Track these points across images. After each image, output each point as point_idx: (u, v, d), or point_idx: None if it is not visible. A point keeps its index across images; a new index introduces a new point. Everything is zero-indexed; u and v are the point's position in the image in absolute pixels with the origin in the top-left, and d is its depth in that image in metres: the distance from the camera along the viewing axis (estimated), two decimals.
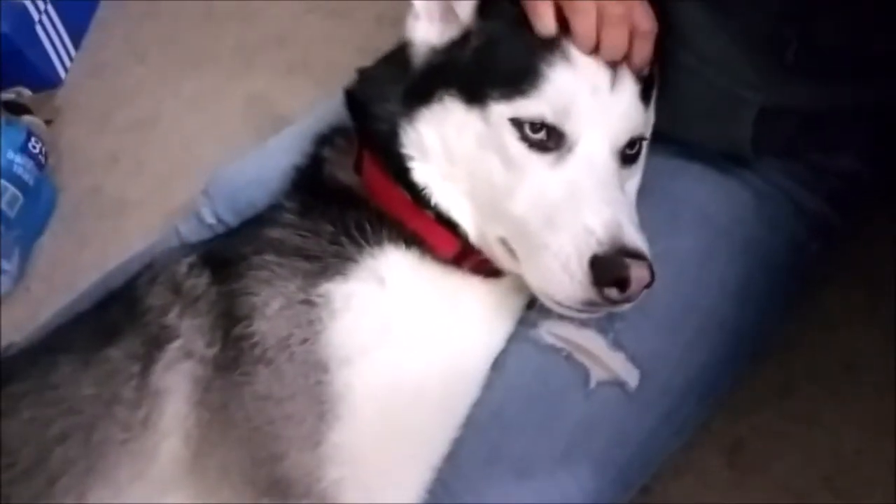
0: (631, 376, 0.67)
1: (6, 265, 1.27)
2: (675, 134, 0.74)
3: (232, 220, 0.94)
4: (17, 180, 1.30)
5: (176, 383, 0.70)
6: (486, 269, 0.71)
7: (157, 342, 0.72)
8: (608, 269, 0.60)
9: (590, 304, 0.63)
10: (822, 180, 0.76)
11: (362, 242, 0.71)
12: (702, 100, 0.70)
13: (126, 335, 0.73)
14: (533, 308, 0.72)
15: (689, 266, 0.71)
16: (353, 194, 0.74)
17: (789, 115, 0.70)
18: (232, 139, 1.32)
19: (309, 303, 0.69)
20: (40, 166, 1.37)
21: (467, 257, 0.71)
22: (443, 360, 0.69)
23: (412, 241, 0.71)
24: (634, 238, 0.62)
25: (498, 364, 0.71)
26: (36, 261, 1.34)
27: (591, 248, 0.61)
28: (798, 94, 0.68)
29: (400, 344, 0.69)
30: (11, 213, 1.29)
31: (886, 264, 0.87)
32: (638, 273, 0.60)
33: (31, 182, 1.33)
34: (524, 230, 0.66)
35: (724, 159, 0.75)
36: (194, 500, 0.66)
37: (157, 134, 1.43)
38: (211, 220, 0.96)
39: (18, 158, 1.32)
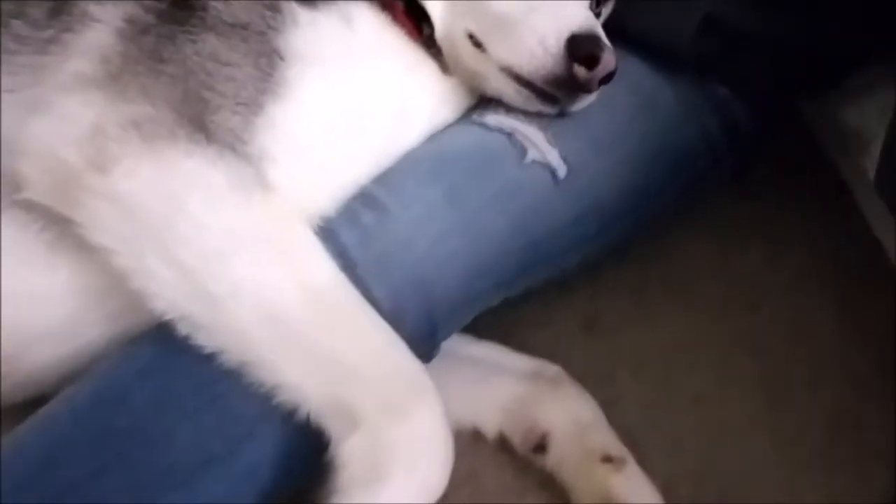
0: (561, 168, 0.74)
1: None
2: (625, 21, 0.85)
3: None
4: None
5: (107, 15, 0.68)
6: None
7: None
8: (584, 44, 0.69)
9: (555, 83, 0.70)
10: (723, 113, 0.90)
11: None
12: None
13: None
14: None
15: (620, 112, 0.81)
16: None
17: (722, 29, 0.84)
18: None
19: (274, 9, 0.71)
20: None
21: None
22: (390, 104, 0.74)
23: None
24: (605, 38, 0.72)
25: (441, 132, 0.76)
26: None
27: (570, 27, 0.70)
28: (738, 10, 0.82)
29: (354, 71, 0.72)
30: None
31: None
32: (608, 57, 0.70)
33: None
34: (500, 18, 0.73)
35: (653, 58, 0.86)
36: (101, 104, 0.63)
37: None
38: None
39: None
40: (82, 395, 0.62)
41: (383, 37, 0.75)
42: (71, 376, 0.64)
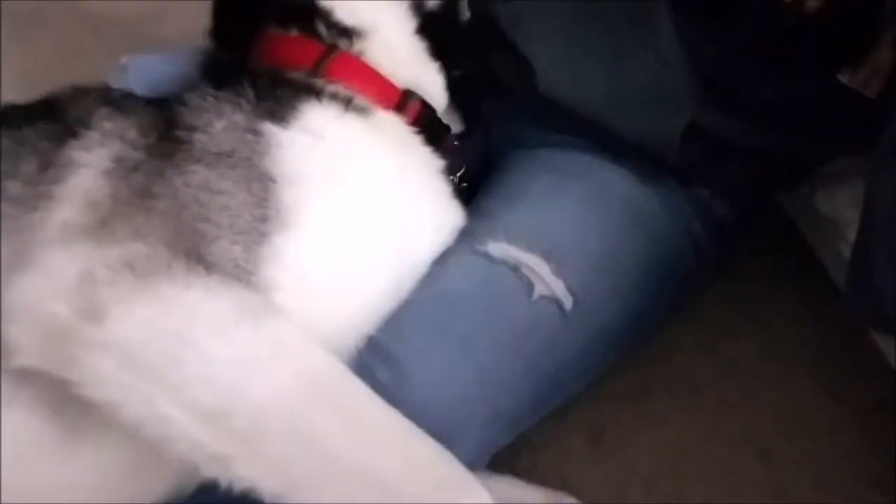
0: (567, 301, 0.74)
1: None
2: (609, 119, 0.85)
3: None
4: None
5: (93, 159, 0.65)
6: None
7: (80, 125, 0.67)
8: None
9: None
10: (705, 213, 0.92)
11: (283, 103, 0.71)
12: (643, 87, 0.83)
13: (43, 121, 0.68)
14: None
15: (614, 230, 0.81)
16: (255, 70, 0.76)
17: (703, 138, 0.86)
18: None
19: (254, 132, 0.68)
20: None
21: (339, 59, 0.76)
22: (392, 218, 0.71)
23: (320, 94, 0.73)
24: None
25: (444, 266, 0.74)
26: None
27: None
28: (720, 120, 0.84)
29: (347, 184, 0.69)
30: None
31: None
32: None
33: None
34: None
35: (639, 167, 0.88)
36: (88, 251, 0.59)
37: None
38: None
39: None
40: None
41: (357, 136, 0.72)
42: None
